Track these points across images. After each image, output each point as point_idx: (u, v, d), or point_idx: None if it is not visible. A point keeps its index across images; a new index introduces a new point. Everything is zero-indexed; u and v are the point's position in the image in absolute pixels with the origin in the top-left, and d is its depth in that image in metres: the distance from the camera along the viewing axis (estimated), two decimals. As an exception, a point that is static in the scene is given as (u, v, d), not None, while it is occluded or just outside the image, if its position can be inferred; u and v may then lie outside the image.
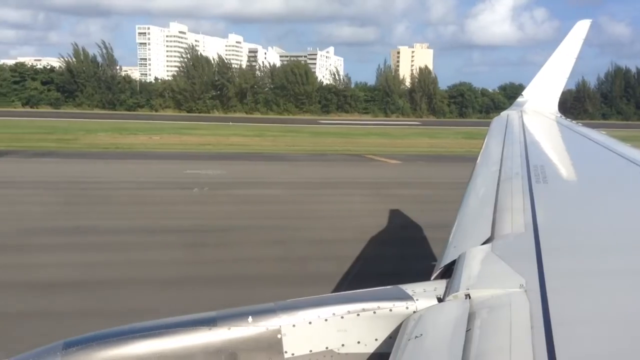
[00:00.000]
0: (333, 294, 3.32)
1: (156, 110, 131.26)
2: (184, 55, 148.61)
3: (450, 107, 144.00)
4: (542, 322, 2.36)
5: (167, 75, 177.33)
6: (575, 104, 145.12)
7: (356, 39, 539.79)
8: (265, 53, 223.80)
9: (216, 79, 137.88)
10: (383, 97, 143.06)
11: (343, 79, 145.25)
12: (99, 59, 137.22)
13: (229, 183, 31.90)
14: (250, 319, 2.92)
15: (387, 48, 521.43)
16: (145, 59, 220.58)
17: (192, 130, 75.84)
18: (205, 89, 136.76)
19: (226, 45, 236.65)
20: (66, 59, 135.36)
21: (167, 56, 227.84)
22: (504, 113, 14.66)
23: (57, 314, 12.58)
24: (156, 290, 14.26)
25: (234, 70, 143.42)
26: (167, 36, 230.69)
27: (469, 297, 2.82)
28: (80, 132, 66.09)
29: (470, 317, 2.58)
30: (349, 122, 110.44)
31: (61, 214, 22.84)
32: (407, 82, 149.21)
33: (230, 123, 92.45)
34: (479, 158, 8.20)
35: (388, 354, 2.66)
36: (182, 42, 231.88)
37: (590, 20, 16.97)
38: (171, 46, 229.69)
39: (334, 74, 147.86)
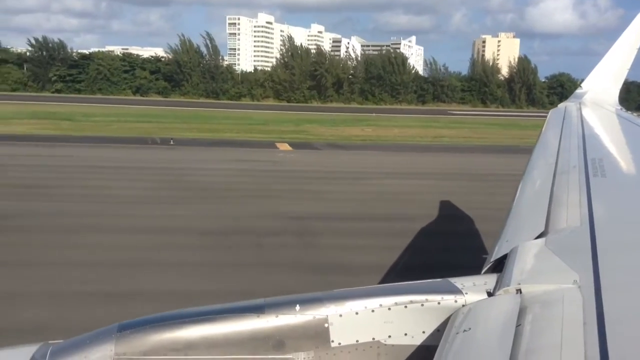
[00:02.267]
0: (380, 285, 3.41)
1: (258, 100, 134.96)
2: (281, 46, 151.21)
3: (549, 98, 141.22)
4: (595, 319, 2.29)
5: (255, 65, 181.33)
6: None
7: (412, 27, 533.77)
8: (348, 43, 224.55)
9: (314, 69, 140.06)
10: (480, 87, 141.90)
11: (440, 69, 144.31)
12: (203, 50, 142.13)
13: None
14: (298, 307, 2.99)
15: (445, 36, 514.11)
16: (235, 49, 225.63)
17: (365, 122, 77.23)
18: (303, 79, 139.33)
19: (308, 35, 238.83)
20: (173, 49, 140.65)
21: (254, 46, 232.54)
22: (561, 105, 14.35)
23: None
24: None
25: (331, 60, 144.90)
26: (254, 26, 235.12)
27: (520, 292, 2.78)
28: (285, 124, 68.97)
29: (521, 313, 2.55)
30: (480, 113, 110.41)
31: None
32: (505, 72, 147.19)
33: (373, 114, 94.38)
34: (534, 150, 7.97)
35: (435, 347, 2.64)
36: (269, 33, 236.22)
37: None
38: (258, 36, 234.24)
39: (431, 64, 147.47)
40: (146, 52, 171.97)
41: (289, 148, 45.69)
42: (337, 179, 30.80)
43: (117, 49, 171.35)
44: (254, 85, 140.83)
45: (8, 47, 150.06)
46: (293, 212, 22.30)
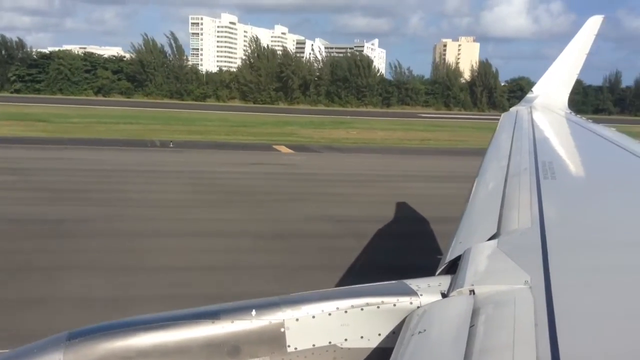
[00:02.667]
0: (337, 288, 3.35)
1: (224, 101, 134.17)
2: (247, 47, 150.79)
3: (510, 101, 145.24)
4: (547, 319, 2.34)
5: (218, 66, 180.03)
6: (634, 101, 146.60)
7: (370, 30, 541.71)
8: (312, 44, 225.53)
9: (280, 70, 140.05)
10: (443, 90, 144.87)
11: (405, 72, 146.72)
12: (167, 50, 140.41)
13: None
14: (253, 312, 2.92)
15: (404, 39, 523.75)
16: (198, 49, 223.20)
17: (346, 124, 77.76)
18: (269, 81, 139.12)
19: (272, 36, 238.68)
20: (136, 48, 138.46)
21: (217, 46, 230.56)
22: (513, 109, 14.43)
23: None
24: None
25: (297, 61, 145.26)
26: (218, 27, 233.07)
27: (474, 293, 2.81)
28: (265, 126, 68.93)
29: (475, 313, 2.57)
30: (447, 116, 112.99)
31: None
32: (467, 76, 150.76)
33: (347, 117, 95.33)
34: (487, 153, 8.06)
35: (391, 349, 2.63)
36: (232, 33, 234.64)
37: (603, 16, 16.67)
38: (222, 37, 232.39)
39: (395, 67, 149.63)
40: (105, 52, 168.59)
41: (290, 151, 45.88)
42: (359, 181, 31.31)
43: (75, 48, 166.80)
44: (220, 86, 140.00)
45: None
46: (336, 215, 22.64)
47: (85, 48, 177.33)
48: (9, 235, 18.23)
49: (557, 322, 2.30)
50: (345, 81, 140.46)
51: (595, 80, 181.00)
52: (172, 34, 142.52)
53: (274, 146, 48.17)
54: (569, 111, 14.66)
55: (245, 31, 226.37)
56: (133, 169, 32.64)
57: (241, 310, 2.93)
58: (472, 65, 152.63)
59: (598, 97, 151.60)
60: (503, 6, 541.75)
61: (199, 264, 16.36)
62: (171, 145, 44.49)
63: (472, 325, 2.45)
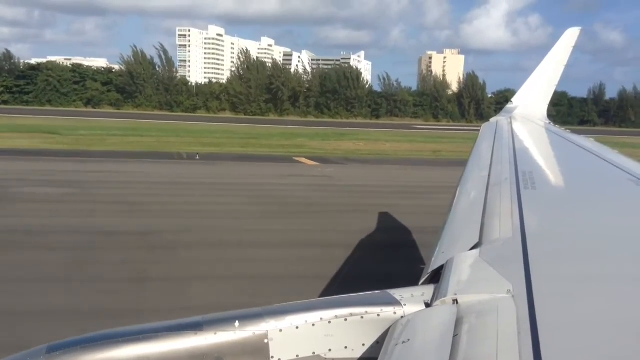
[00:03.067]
0: (321, 298, 3.33)
1: (215, 113, 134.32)
2: (237, 59, 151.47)
3: (497, 112, 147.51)
4: (529, 327, 2.35)
5: (205, 77, 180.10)
6: (618, 112, 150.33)
7: (351, 42, 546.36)
8: (299, 56, 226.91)
9: (270, 82, 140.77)
10: (432, 102, 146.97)
11: (393, 84, 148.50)
12: (157, 61, 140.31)
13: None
14: (237, 323, 2.91)
15: (385, 51, 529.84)
16: (185, 60, 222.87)
17: (349, 136, 78.43)
18: (260, 93, 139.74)
19: (258, 48, 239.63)
20: (125, 60, 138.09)
21: (204, 58, 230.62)
22: (493, 119, 14.58)
23: None
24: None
25: (287, 73, 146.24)
26: (205, 39, 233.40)
27: (457, 303, 2.81)
28: (274, 138, 69.54)
29: (458, 323, 2.58)
30: (439, 128, 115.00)
31: None
32: (454, 88, 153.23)
33: (345, 128, 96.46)
34: (468, 163, 8.14)
35: (375, 359, 2.63)
36: (219, 45, 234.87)
37: (580, 28, 16.84)
38: (209, 49, 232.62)
39: (384, 79, 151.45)
40: (90, 63, 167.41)
41: (314, 162, 46.43)
42: (405, 192, 31.93)
43: (60, 60, 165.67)
44: (210, 98, 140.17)
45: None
46: (407, 225, 23.26)
47: (70, 59, 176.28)
48: (117, 247, 18.51)
49: (540, 330, 2.31)
50: (335, 93, 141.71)
51: (579, 92, 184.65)
52: (162, 45, 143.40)
53: (295, 158, 48.74)
54: (548, 122, 14.93)
55: (232, 43, 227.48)
56: (181, 181, 32.90)
57: (224, 322, 2.93)
58: (460, 77, 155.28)
59: (583, 108, 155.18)
60: (482, 19, 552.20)
61: (296, 272, 16.68)
62: (197, 158, 44.79)
63: (455, 335, 2.46)
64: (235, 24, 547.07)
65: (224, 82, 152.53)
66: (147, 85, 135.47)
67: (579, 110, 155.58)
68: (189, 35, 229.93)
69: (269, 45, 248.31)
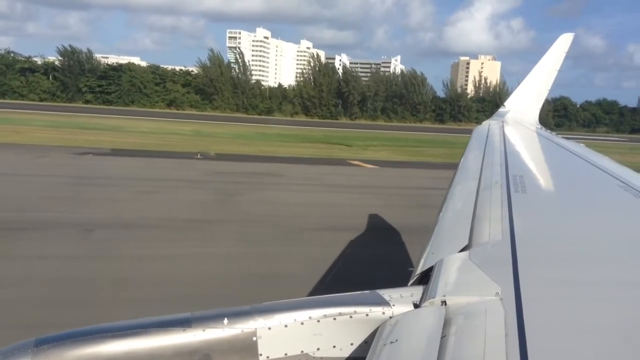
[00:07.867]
0: (310, 297, 3.34)
1: (291, 116, 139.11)
2: (307, 64, 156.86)
3: (554, 120, 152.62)
4: (517, 330, 2.37)
5: (253, 79, 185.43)
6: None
7: (336, 42, 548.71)
8: (340, 59, 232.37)
9: (339, 86, 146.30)
10: (492, 108, 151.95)
11: (458, 90, 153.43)
12: (233, 65, 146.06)
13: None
14: (225, 320, 2.91)
15: (371, 53, 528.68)
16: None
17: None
18: (331, 97, 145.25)
19: (298, 51, 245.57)
20: (203, 63, 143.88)
21: (252, 60, 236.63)
22: (485, 122, 14.74)
23: None
24: None
25: (356, 78, 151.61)
26: (253, 41, 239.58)
27: (445, 304, 2.81)
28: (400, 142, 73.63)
29: (446, 324, 2.58)
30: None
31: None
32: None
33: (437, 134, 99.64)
34: (459, 166, 8.20)
35: (363, 359, 2.64)
36: (265, 47, 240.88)
37: (573, 33, 16.98)
38: (256, 51, 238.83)
39: (447, 84, 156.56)
40: (124, 61, 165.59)
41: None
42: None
43: (97, 57, 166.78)
44: (283, 101, 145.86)
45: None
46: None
47: (107, 57, 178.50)
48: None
49: (527, 333, 2.32)
50: (402, 97, 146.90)
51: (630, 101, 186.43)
52: (239, 49, 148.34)
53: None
54: (539, 126, 15.08)
55: (277, 45, 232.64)
56: (371, 184, 36.24)
57: (213, 319, 2.93)
58: (506, 83, 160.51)
59: (634, 117, 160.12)
60: (465, 22, 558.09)
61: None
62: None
63: (443, 336, 2.46)
64: (219, 20, 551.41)
65: (294, 85, 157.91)
66: (224, 87, 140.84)
67: (629, 118, 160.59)
68: (239, 38, 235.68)
69: (307, 47, 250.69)
